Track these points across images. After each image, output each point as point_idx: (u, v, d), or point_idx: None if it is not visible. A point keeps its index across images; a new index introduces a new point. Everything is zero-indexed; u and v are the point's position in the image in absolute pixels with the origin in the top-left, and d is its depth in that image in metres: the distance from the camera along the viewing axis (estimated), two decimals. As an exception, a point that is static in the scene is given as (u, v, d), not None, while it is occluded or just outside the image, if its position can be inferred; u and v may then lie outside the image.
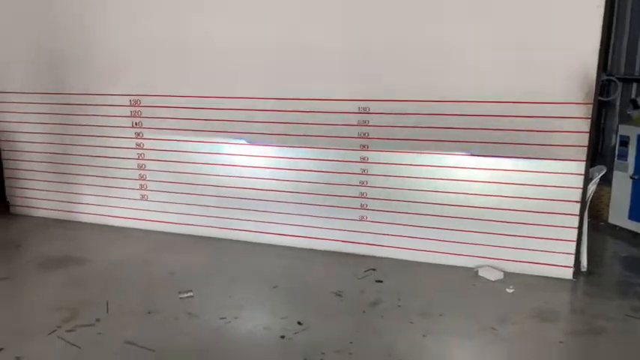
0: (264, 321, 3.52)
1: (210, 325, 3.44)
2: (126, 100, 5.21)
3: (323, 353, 3.06)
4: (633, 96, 5.91)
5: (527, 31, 3.91)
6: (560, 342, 3.32)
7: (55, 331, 3.31)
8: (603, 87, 6.04)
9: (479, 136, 4.15)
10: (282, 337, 3.28)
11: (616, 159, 5.36)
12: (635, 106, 5.63)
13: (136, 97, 5.17)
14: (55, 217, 5.77)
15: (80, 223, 5.63)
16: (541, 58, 3.91)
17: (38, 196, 5.85)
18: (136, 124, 5.25)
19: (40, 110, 5.55)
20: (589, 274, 4.28)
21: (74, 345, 3.15)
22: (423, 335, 3.30)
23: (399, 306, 3.72)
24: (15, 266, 4.51)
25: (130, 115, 5.24)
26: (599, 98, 6.10)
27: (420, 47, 4.18)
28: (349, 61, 4.41)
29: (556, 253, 4.14)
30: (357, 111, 4.48)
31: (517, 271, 4.21)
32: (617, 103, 6.14)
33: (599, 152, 6.24)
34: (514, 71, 3.99)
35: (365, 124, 4.48)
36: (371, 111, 4.45)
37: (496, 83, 4.05)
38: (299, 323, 3.44)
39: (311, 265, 4.53)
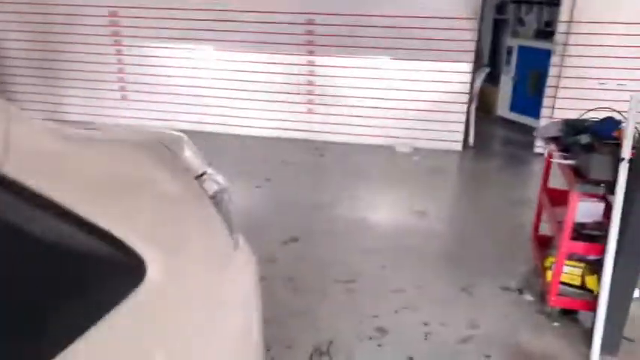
0: (241, 180, 4.86)
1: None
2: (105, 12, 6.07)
3: (286, 196, 4.47)
4: (522, 15, 7.37)
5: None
6: (445, 182, 4.95)
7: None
8: (500, 7, 7.50)
9: (397, 43, 5.48)
10: (258, 187, 4.66)
11: (503, 65, 6.90)
12: (522, 24, 7.13)
13: (114, 9, 6.04)
14: (40, 118, 6.68)
15: (64, 122, 6.58)
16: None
17: (22, 99, 6.68)
18: (114, 32, 6.15)
19: (25, 19, 6.27)
20: (474, 147, 5.90)
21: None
22: (352, 181, 4.79)
23: (338, 169, 5.18)
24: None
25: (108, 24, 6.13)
26: (496, 17, 7.59)
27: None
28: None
29: (450, 132, 5.70)
30: (304, 22, 5.66)
31: (422, 147, 5.73)
32: (511, 21, 7.60)
33: (495, 61, 7.76)
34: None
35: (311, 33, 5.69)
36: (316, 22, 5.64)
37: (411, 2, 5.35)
38: (267, 179, 4.82)
39: (271, 147, 5.85)
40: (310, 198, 4.41)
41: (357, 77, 5.75)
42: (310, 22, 5.65)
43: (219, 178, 1.33)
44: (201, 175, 1.26)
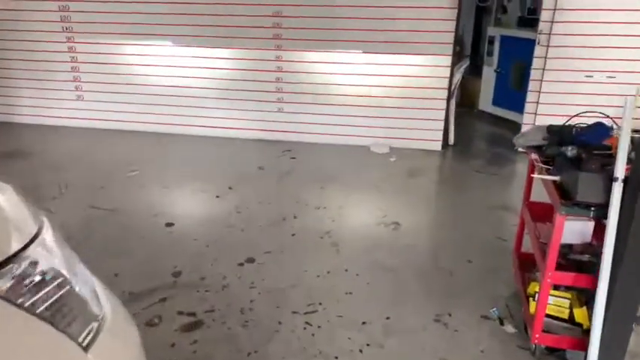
0: (200, 189, 4.46)
1: (156, 191, 4.34)
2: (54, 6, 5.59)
3: (247, 207, 4.06)
4: (505, 2, 6.98)
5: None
6: (422, 186, 4.57)
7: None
8: (482, -5, 7.11)
9: (370, 36, 5.07)
10: (217, 196, 4.25)
11: (485, 56, 6.52)
12: (505, 11, 6.74)
13: (65, 3, 5.56)
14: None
15: (18, 124, 6.11)
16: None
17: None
18: (66, 28, 5.68)
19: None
20: (454, 146, 5.53)
21: (47, 210, 3.94)
22: (321, 188, 4.40)
23: (307, 173, 4.78)
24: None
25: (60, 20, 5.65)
26: (478, 4, 7.19)
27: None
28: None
29: (429, 131, 5.31)
30: (272, 14, 5.23)
31: (400, 146, 5.35)
32: (493, 9, 7.20)
33: (478, 51, 7.39)
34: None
35: (278, 26, 5.26)
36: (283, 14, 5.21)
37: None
38: (229, 188, 4.41)
39: (238, 149, 5.44)
40: (273, 209, 4.01)
41: (328, 73, 5.34)
42: (277, 15, 5.22)
43: (56, 252, 0.91)
44: (19, 252, 0.85)
